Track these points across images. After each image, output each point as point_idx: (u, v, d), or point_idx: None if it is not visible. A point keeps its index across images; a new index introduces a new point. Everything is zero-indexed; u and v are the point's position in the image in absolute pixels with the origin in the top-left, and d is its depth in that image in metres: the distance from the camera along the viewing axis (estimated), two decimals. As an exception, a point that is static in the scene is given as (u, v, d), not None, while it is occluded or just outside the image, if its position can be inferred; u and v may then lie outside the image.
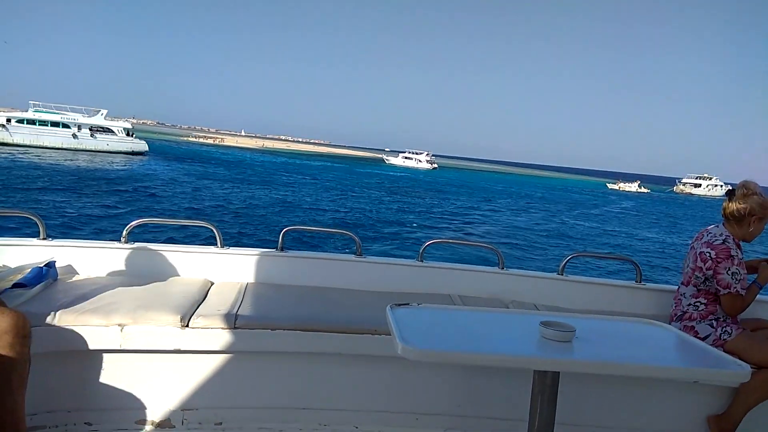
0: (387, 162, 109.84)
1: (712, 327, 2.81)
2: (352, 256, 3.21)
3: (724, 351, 2.61)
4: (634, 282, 3.34)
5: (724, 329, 2.79)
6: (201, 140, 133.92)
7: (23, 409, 2.08)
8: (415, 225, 24.90)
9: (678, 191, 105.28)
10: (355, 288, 3.08)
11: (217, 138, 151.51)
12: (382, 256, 3.41)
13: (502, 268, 3.28)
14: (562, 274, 3.30)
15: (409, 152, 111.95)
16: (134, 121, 60.37)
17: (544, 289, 3.26)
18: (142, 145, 52.92)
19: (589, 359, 1.68)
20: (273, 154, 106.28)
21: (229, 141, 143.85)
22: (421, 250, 3.26)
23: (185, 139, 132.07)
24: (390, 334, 1.68)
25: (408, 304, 1.98)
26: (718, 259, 2.72)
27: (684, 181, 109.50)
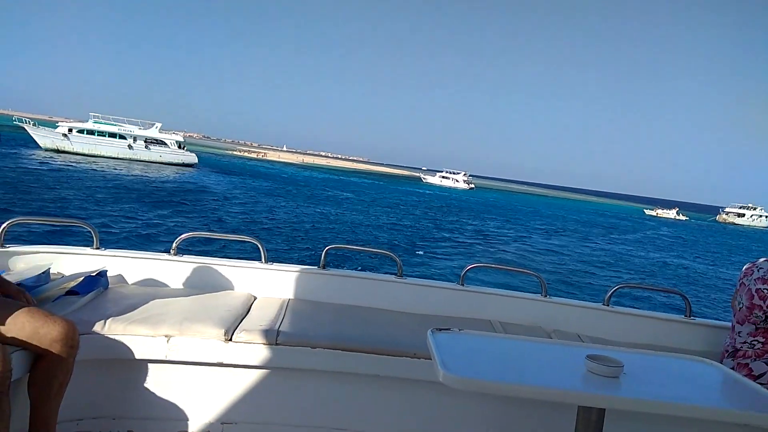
0: (424, 181, 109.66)
1: None
2: (393, 277, 3.20)
3: None
4: (683, 316, 3.25)
5: None
6: (245, 154, 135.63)
7: (56, 416, 2.13)
8: (452, 246, 24.83)
9: (721, 220, 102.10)
10: (395, 309, 3.08)
11: (260, 152, 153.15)
12: (422, 278, 3.40)
13: (545, 296, 3.22)
14: (608, 305, 3.23)
15: (447, 172, 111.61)
16: (185, 134, 62.31)
17: (589, 319, 3.18)
18: (192, 158, 54.58)
19: (636, 397, 1.61)
20: (313, 169, 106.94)
21: (272, 156, 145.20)
22: (462, 274, 3.22)
23: (230, 152, 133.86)
24: (430, 359, 1.67)
25: (449, 329, 1.96)
26: None
27: (727, 210, 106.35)
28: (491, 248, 26.34)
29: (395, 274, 3.23)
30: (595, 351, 1.84)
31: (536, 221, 48.46)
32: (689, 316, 3.26)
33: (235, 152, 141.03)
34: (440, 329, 1.95)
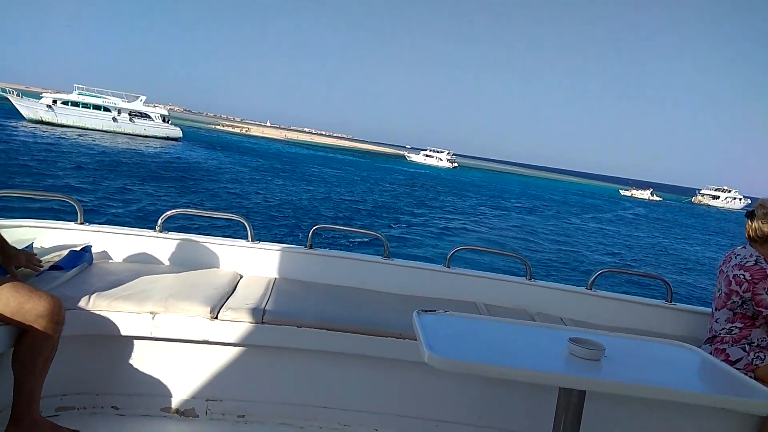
0: (408, 159, 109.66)
1: (744, 351, 2.71)
2: (380, 258, 3.18)
3: (755, 377, 2.59)
4: (664, 301, 3.27)
5: (756, 354, 2.69)
6: (228, 129, 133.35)
7: (41, 391, 2.08)
8: (435, 225, 24.89)
9: (696, 202, 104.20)
10: (381, 290, 3.06)
11: (243, 127, 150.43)
12: (409, 259, 3.37)
13: (530, 279, 3.21)
14: (591, 289, 3.23)
15: (431, 150, 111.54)
16: (169, 107, 61.22)
17: (572, 303, 3.19)
18: (177, 132, 53.78)
19: (617, 380, 1.63)
20: (297, 145, 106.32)
21: (255, 131, 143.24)
22: (448, 256, 3.21)
23: (213, 126, 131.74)
24: (415, 340, 1.68)
25: (435, 310, 1.96)
26: (755, 280, 2.64)
27: (703, 192, 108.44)
28: (473, 227, 26.50)
29: (382, 255, 3.21)
30: (578, 334, 1.84)
31: (518, 200, 48.98)
32: (670, 302, 3.28)
33: (218, 126, 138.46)
34: (426, 310, 1.95)
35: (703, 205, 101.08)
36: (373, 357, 2.52)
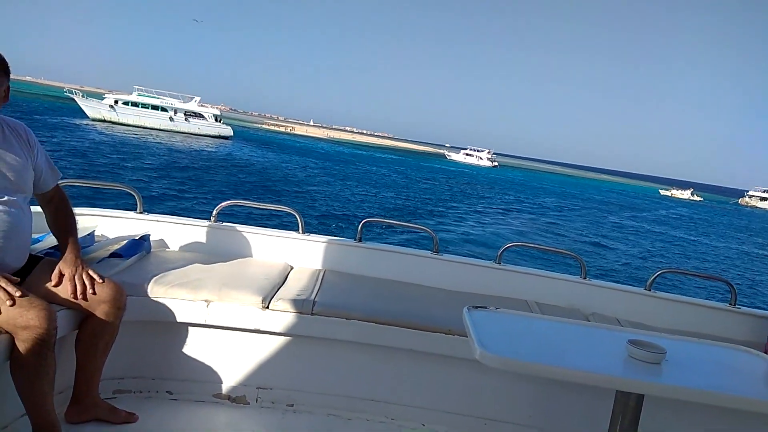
0: (448, 158, 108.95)
1: None
2: (429, 253, 3.09)
3: None
4: (727, 304, 3.08)
5: None
6: (273, 128, 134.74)
7: (100, 375, 2.14)
8: (481, 223, 24.53)
9: (744, 203, 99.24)
10: (430, 285, 2.97)
11: (288, 126, 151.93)
12: (458, 255, 3.27)
13: (584, 278, 3.07)
14: (650, 290, 3.07)
15: (471, 149, 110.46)
16: (223, 108, 62.85)
17: (629, 304, 3.03)
18: (228, 131, 55.01)
19: (678, 384, 1.54)
20: (340, 144, 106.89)
21: (299, 130, 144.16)
22: (499, 252, 3.09)
23: (258, 125, 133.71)
24: (465, 336, 1.63)
25: (485, 307, 1.88)
26: None
27: (751, 193, 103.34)
28: (517, 225, 25.85)
29: (431, 249, 3.11)
30: (637, 336, 1.73)
31: (562, 200, 47.84)
32: (734, 305, 3.08)
33: (263, 125, 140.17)
34: (476, 307, 1.86)
35: (751, 206, 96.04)
36: (421, 352, 2.45)
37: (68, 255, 2.06)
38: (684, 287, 13.22)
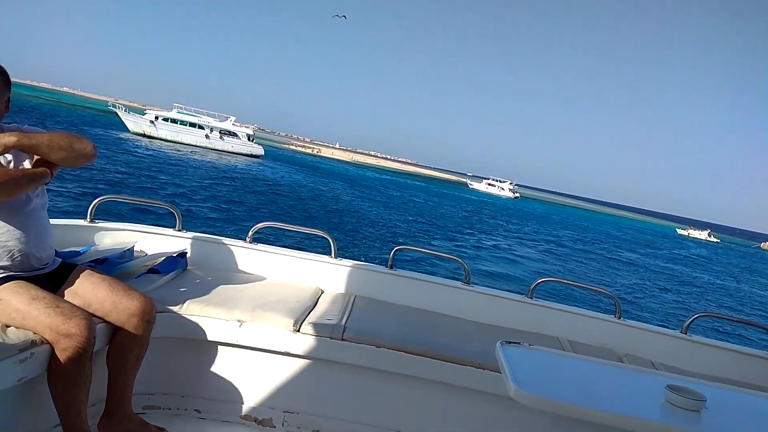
0: (470, 186, 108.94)
1: None
2: (460, 283, 3.02)
3: None
4: None
5: None
6: (300, 149, 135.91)
7: (131, 388, 2.12)
8: (503, 255, 24.00)
9: (766, 248, 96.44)
10: (460, 316, 2.90)
11: (314, 148, 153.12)
12: (490, 287, 3.21)
13: (619, 317, 2.96)
14: (686, 333, 2.95)
15: (493, 179, 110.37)
16: (255, 128, 64.12)
17: (664, 346, 2.91)
18: (260, 150, 55.98)
19: None
20: (365, 168, 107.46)
21: (325, 152, 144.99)
22: (531, 287, 3.01)
23: (286, 146, 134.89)
24: (496, 371, 1.61)
25: (519, 343, 1.83)
26: None
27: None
28: (542, 259, 25.15)
29: (462, 280, 3.05)
30: (676, 381, 1.68)
31: (585, 234, 47.06)
32: None
33: (290, 146, 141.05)
34: (510, 342, 1.82)
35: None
36: (450, 385, 2.38)
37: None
38: (720, 333, 12.70)
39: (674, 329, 3.04)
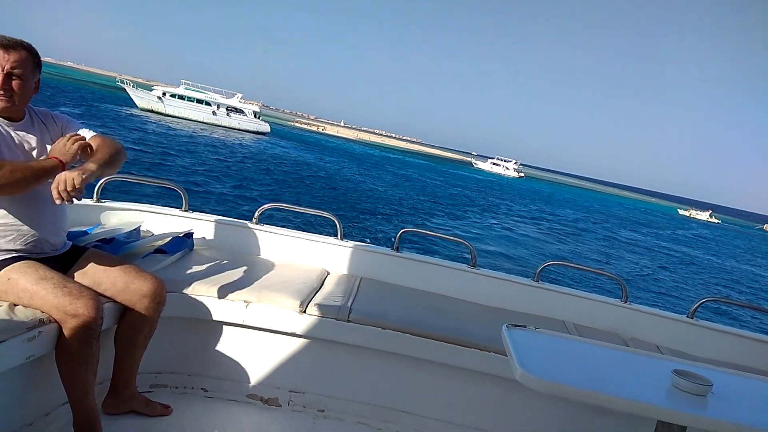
0: (475, 166, 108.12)
1: None
2: (466, 266, 3.00)
3: None
4: None
5: None
6: (305, 126, 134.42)
7: (138, 368, 2.13)
8: (506, 234, 23.75)
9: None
10: (466, 299, 2.88)
11: (319, 126, 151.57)
12: (496, 270, 3.18)
13: (625, 302, 2.93)
14: (692, 318, 2.92)
15: (498, 159, 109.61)
16: (260, 104, 63.63)
17: (670, 331, 2.89)
18: (266, 127, 55.61)
19: (724, 419, 1.45)
20: (370, 146, 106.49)
21: (330, 130, 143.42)
22: (538, 270, 2.97)
23: (291, 123, 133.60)
24: (500, 353, 1.62)
25: (525, 326, 1.82)
26: None
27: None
28: (547, 238, 24.94)
29: (468, 263, 3.02)
30: (682, 366, 1.66)
31: (589, 214, 46.87)
32: None
33: (296, 123, 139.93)
34: (515, 325, 1.80)
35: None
36: (455, 367, 2.38)
37: (92, 162, 1.87)
38: (726, 317, 12.55)
39: (681, 314, 3.01)
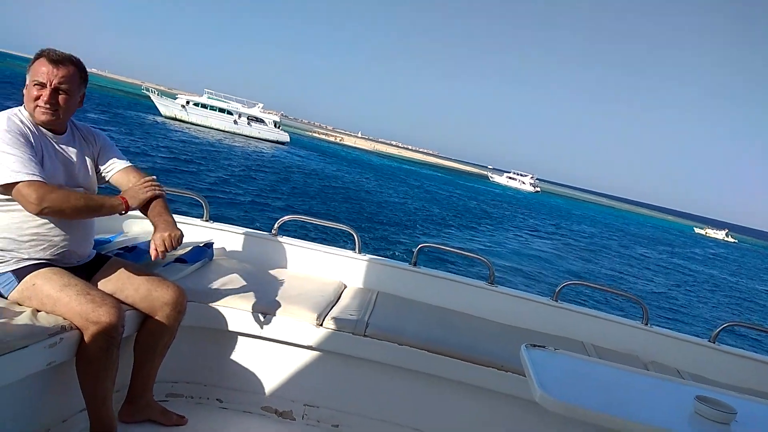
0: (491, 179, 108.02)
1: None
2: (484, 283, 2.95)
3: None
4: None
5: None
6: (323, 136, 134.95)
7: (155, 377, 2.13)
8: (520, 249, 23.37)
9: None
10: (484, 317, 2.83)
11: (337, 136, 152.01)
12: (515, 288, 3.11)
13: (646, 324, 2.86)
14: (714, 342, 2.84)
15: (514, 173, 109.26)
16: (280, 114, 64.32)
17: (692, 355, 2.81)
18: (285, 137, 56.25)
19: None
20: (387, 157, 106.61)
21: (348, 140, 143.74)
22: (557, 290, 2.92)
23: (309, 133, 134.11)
24: (517, 373, 1.59)
25: (544, 346, 1.77)
26: None
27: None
28: (565, 259, 24.12)
29: (486, 279, 2.97)
30: (704, 391, 1.61)
31: (607, 231, 46.25)
32: None
33: (314, 133, 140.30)
34: (534, 345, 1.75)
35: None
36: (472, 385, 2.32)
37: (166, 218, 2.03)
38: (750, 342, 12.18)
39: (702, 337, 2.94)
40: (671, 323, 14.25)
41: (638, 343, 2.82)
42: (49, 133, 1.92)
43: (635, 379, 1.79)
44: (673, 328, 3.20)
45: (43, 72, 1.84)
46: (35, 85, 1.85)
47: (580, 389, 1.63)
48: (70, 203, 1.80)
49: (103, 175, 2.10)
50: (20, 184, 1.74)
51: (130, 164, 2.15)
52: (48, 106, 1.85)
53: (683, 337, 2.90)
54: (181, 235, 1.98)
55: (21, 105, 1.92)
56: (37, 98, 1.85)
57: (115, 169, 2.10)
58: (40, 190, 1.74)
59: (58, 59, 1.86)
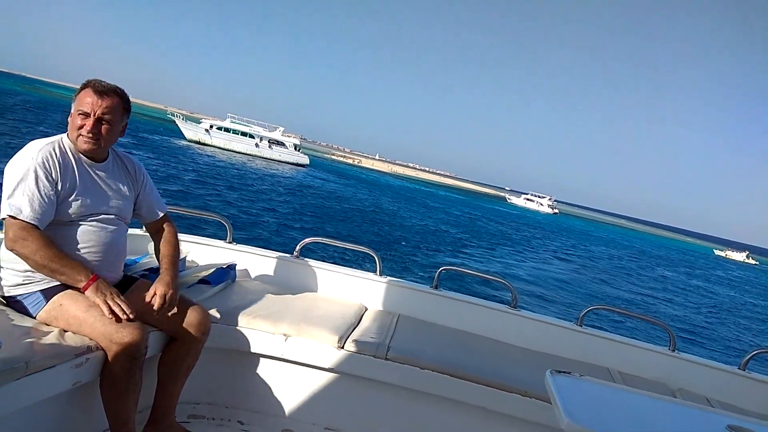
0: (509, 201, 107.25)
1: None
2: (507, 307, 2.90)
3: None
4: None
5: None
6: (341, 159, 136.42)
7: (178, 397, 2.12)
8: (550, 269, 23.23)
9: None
10: (506, 341, 2.78)
11: (355, 159, 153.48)
12: (538, 312, 3.08)
13: (673, 350, 2.79)
14: (744, 370, 2.76)
15: (532, 194, 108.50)
16: (301, 137, 65.32)
17: (720, 382, 2.73)
18: (305, 159, 57.13)
19: None
20: (405, 179, 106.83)
21: (365, 163, 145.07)
22: (581, 315, 2.86)
23: (328, 156, 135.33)
24: (543, 400, 1.56)
25: (569, 373, 1.72)
26: None
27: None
28: (585, 282, 23.71)
29: (509, 303, 2.92)
30: (735, 421, 1.55)
31: (634, 256, 45.29)
32: None
33: (332, 156, 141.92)
34: (560, 371, 1.70)
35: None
36: (494, 411, 2.26)
37: (165, 276, 2.07)
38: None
39: (731, 365, 2.85)
40: (697, 347, 13.81)
41: (665, 370, 2.75)
42: (88, 161, 1.97)
43: (664, 407, 1.72)
44: (699, 353, 3.12)
45: (88, 102, 1.89)
46: (80, 114, 1.90)
47: (607, 417, 1.57)
48: (37, 259, 1.79)
49: (140, 214, 2.19)
50: (8, 218, 1.79)
51: (164, 213, 2.25)
52: (90, 135, 1.89)
53: (711, 363, 2.83)
54: (174, 294, 2.02)
55: (65, 132, 1.97)
56: (81, 127, 1.89)
57: (151, 218, 2.22)
58: (21, 232, 1.77)
59: (103, 90, 1.91)
